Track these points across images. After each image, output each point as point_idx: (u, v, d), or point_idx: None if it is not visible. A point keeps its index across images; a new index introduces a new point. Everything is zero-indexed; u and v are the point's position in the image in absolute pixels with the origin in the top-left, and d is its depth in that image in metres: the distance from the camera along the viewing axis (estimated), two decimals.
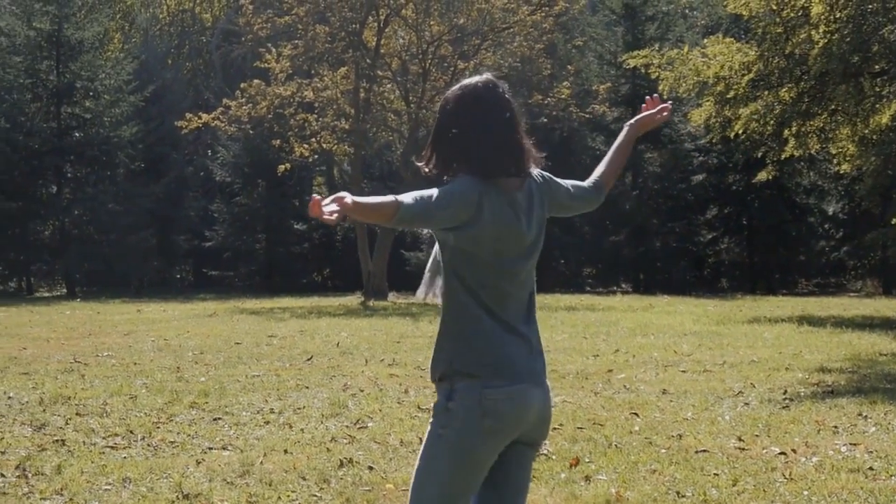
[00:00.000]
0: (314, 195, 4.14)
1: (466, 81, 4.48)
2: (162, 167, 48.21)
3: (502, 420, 4.33)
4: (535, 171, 4.49)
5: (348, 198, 3.96)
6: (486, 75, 4.51)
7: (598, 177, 4.78)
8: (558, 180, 4.58)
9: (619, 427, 10.34)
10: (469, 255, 4.32)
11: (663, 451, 9.20)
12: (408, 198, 4.15)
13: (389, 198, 4.09)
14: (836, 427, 10.26)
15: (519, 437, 4.42)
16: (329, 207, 3.92)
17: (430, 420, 4.40)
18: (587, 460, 8.86)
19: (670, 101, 4.96)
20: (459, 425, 4.33)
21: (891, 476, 8.19)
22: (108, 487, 8.11)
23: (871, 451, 9.09)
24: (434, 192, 4.22)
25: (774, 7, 22.60)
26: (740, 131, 23.91)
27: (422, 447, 4.41)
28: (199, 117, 36.65)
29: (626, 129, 5.00)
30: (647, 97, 5.05)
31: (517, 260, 4.37)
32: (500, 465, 4.47)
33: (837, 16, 20.49)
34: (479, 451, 4.34)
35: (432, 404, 4.44)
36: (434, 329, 22.23)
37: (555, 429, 10.20)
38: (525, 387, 4.38)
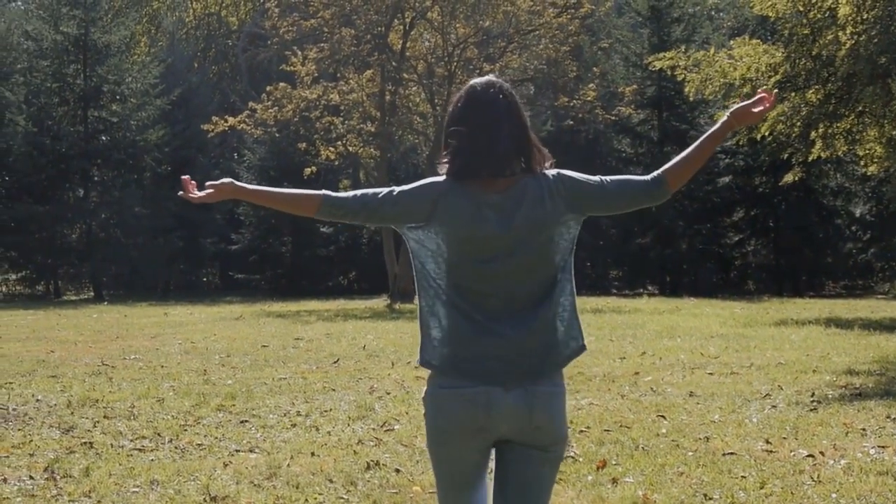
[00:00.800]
0: (184, 177, 4.49)
1: (470, 82, 4.54)
2: (188, 170, 47.90)
3: (453, 421, 4.37)
4: (549, 171, 4.45)
5: (229, 184, 4.51)
6: (489, 76, 4.55)
7: (663, 169, 4.55)
8: (580, 176, 4.46)
9: (646, 429, 10.32)
10: (434, 254, 4.39)
11: (690, 453, 9.18)
12: (348, 193, 4.40)
13: (316, 192, 4.29)
14: (864, 429, 10.22)
15: (513, 438, 4.39)
16: (205, 191, 4.51)
17: None
18: (614, 463, 8.85)
19: (775, 91, 4.70)
20: (425, 419, 4.53)
21: None
22: (136, 490, 8.14)
23: None
24: (393, 189, 4.44)
25: (801, 8, 22.54)
26: (767, 133, 23.85)
27: None
28: (226, 120, 36.73)
29: (721, 120, 4.65)
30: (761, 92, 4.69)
31: (494, 260, 4.34)
32: (500, 464, 4.51)
33: (865, 17, 20.40)
34: (441, 447, 4.47)
35: None
36: None
37: (581, 431, 10.20)
38: (487, 389, 4.33)
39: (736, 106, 4.57)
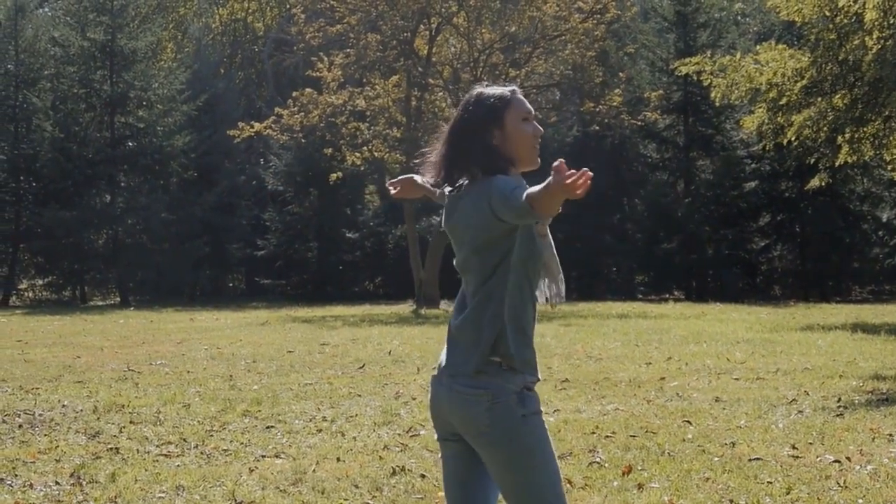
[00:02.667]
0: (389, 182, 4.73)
1: None
2: (214, 176, 48.33)
3: (430, 409, 4.70)
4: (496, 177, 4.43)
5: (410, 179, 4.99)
6: (479, 88, 4.67)
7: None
8: (495, 186, 4.36)
9: (671, 435, 10.30)
10: None
11: (716, 458, 9.16)
12: None
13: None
14: (891, 435, 10.18)
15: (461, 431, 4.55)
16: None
17: None
18: (640, 468, 8.83)
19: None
20: None
21: None
22: (162, 495, 8.16)
23: None
24: None
25: (828, 13, 22.49)
26: (793, 138, 23.79)
27: None
28: (252, 126, 36.79)
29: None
30: None
31: (455, 252, 4.66)
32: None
33: (891, 21, 20.36)
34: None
35: None
36: None
37: (607, 437, 10.19)
38: (433, 381, 4.67)
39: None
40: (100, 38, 44.56)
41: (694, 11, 45.12)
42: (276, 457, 9.58)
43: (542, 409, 4.50)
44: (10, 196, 45.03)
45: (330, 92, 36.61)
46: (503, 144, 4.50)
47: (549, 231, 4.46)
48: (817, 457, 9.21)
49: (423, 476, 8.66)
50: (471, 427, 4.44)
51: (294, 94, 37.09)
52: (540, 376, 4.54)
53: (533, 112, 4.58)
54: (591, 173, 3.81)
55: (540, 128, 4.56)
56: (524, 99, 4.60)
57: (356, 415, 11.85)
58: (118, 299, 45.07)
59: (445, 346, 4.62)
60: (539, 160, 4.55)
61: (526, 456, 4.43)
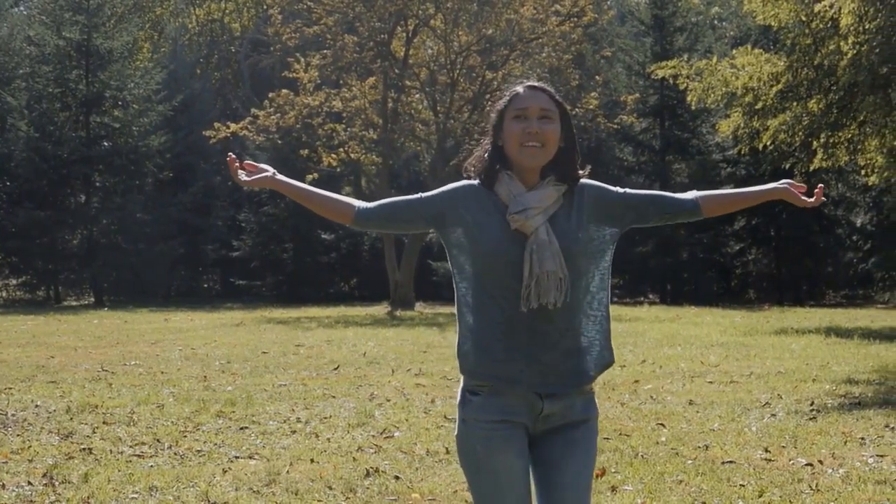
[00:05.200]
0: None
1: None
2: (190, 177, 48.23)
3: None
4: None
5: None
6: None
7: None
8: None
9: (645, 438, 10.33)
10: None
11: (690, 461, 9.19)
12: None
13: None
14: (863, 438, 10.23)
15: None
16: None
17: (586, 427, 4.47)
18: (613, 471, 8.85)
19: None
20: None
21: None
22: (135, 496, 8.14)
23: None
24: None
25: (804, 18, 22.56)
26: (768, 142, 23.85)
27: (587, 458, 4.46)
28: (228, 127, 36.76)
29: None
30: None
31: None
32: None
33: (866, 27, 20.41)
34: None
35: (587, 413, 4.48)
36: None
37: None
38: None
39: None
40: (75, 37, 44.35)
41: (671, 15, 45.27)
42: (250, 458, 9.58)
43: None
44: None
45: (306, 93, 36.60)
46: (505, 145, 4.47)
47: (537, 231, 4.33)
48: (790, 460, 9.25)
49: (397, 478, 8.66)
50: None
51: (270, 94, 37.06)
52: (498, 381, 4.35)
53: (533, 108, 4.42)
54: None
55: (534, 125, 4.41)
56: (534, 93, 4.47)
57: (330, 416, 11.85)
58: (92, 299, 44.89)
59: None
60: (532, 160, 4.41)
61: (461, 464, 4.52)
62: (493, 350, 4.35)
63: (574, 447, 4.38)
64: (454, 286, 4.49)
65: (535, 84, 4.50)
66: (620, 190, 4.52)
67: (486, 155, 4.52)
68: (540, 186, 4.40)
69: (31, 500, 8.05)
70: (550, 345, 4.32)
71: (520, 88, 4.48)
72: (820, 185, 4.56)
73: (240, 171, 4.62)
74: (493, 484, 4.34)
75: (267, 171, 4.63)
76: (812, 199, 4.55)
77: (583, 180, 4.50)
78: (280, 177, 4.66)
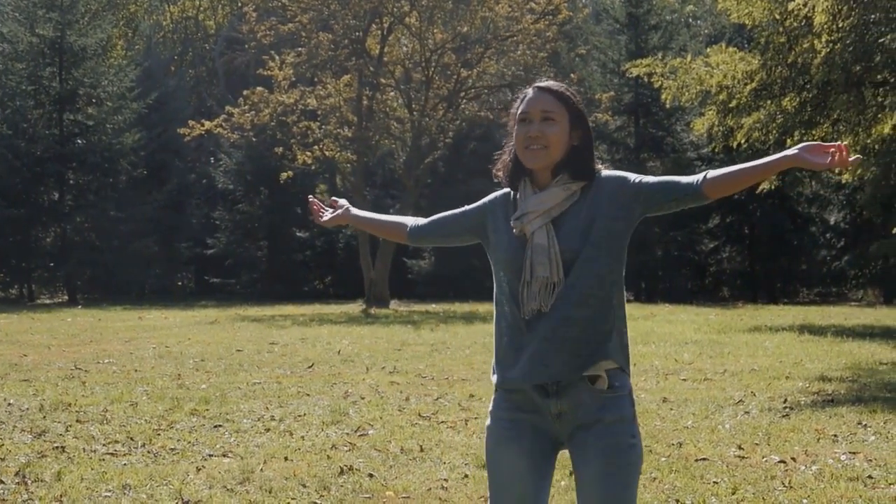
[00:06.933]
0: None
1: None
2: (164, 174, 48.14)
3: None
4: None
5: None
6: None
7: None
8: None
9: None
10: None
11: (663, 459, 9.20)
12: None
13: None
14: (835, 436, 10.26)
15: None
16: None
17: (600, 430, 4.35)
18: None
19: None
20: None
21: (890, 484, 8.19)
22: (108, 494, 8.11)
23: (871, 460, 9.10)
24: None
25: (777, 17, 22.59)
26: (743, 140, 23.88)
27: (616, 469, 4.34)
28: (202, 124, 36.66)
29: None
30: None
31: None
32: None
33: (840, 25, 20.46)
34: None
35: (600, 414, 4.33)
36: (436, 337, 22.22)
37: None
38: None
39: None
40: (49, 34, 44.19)
41: (646, 13, 45.34)
42: (224, 456, 9.55)
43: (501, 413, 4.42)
44: None
45: (281, 91, 36.55)
46: (515, 148, 4.49)
47: (534, 232, 4.34)
48: (763, 457, 9.27)
49: (370, 475, 8.65)
50: None
51: (245, 92, 36.98)
52: (506, 384, 4.42)
53: (534, 111, 4.41)
54: None
55: (535, 128, 4.39)
56: (539, 94, 4.46)
57: (304, 414, 11.83)
58: (66, 297, 44.76)
59: None
60: (533, 162, 4.40)
61: None
62: (504, 351, 4.42)
63: (586, 452, 4.33)
64: None
65: (543, 84, 4.49)
66: (636, 180, 4.38)
67: (508, 159, 4.54)
68: (547, 188, 4.39)
69: (4, 499, 8.01)
70: (547, 338, 4.30)
71: (529, 90, 4.50)
72: (842, 143, 4.07)
73: (320, 212, 5.04)
74: (494, 479, 4.44)
75: (342, 207, 5.00)
76: (828, 161, 4.14)
77: (604, 172, 4.43)
78: (354, 211, 5.00)
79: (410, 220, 4.84)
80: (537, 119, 4.38)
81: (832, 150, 4.01)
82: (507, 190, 4.56)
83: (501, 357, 4.42)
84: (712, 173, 4.22)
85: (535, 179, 4.43)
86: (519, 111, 4.46)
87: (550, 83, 4.48)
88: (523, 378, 4.32)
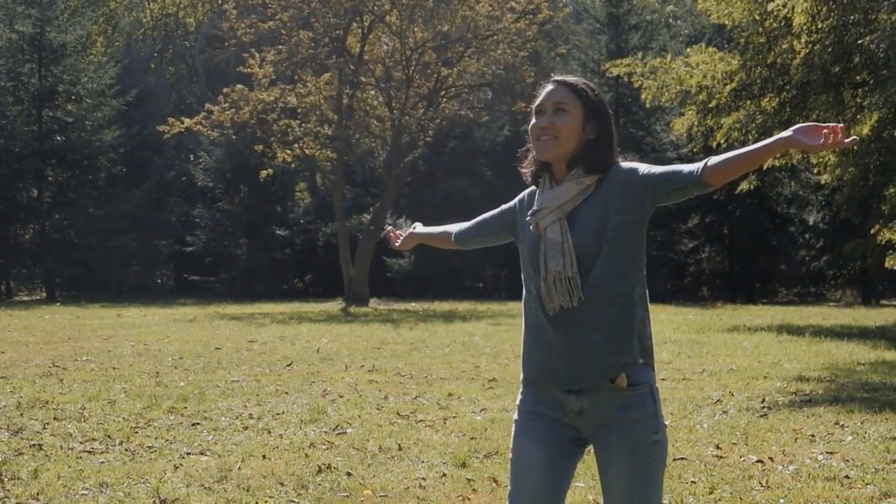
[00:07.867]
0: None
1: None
2: (144, 172, 48.04)
3: None
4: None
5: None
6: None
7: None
8: None
9: None
10: None
11: None
12: None
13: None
14: (813, 436, 10.28)
15: None
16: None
17: (622, 430, 4.32)
18: None
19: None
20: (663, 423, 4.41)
21: (866, 484, 8.21)
22: (85, 492, 8.08)
23: (848, 460, 9.11)
24: None
25: (757, 17, 22.64)
26: (722, 140, 23.92)
27: (639, 470, 4.31)
28: (182, 122, 36.57)
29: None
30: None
31: None
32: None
33: (819, 26, 20.52)
34: None
35: (623, 413, 4.30)
36: (415, 336, 22.21)
37: None
38: None
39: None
40: (28, 30, 44.10)
41: (626, 13, 45.44)
42: (202, 454, 9.53)
43: (512, 407, 4.46)
44: None
45: (261, 88, 36.52)
46: None
47: (547, 227, 4.36)
48: (741, 457, 9.28)
49: (349, 474, 8.64)
50: None
51: (225, 90, 36.93)
52: (530, 380, 4.49)
53: (548, 102, 4.42)
54: None
55: (546, 119, 4.40)
56: (554, 87, 4.46)
57: (283, 412, 11.82)
58: (44, 294, 44.70)
59: None
60: (544, 153, 4.40)
61: None
62: (530, 346, 4.47)
63: (609, 452, 4.33)
64: None
65: (559, 78, 4.50)
66: (646, 171, 4.34)
67: (531, 156, 4.55)
68: (561, 183, 4.40)
69: None
70: (573, 339, 4.30)
71: (549, 84, 4.50)
72: (837, 124, 3.94)
73: (396, 240, 5.34)
74: (512, 471, 4.46)
75: (410, 230, 5.32)
76: (822, 142, 3.92)
77: (620, 164, 4.41)
78: (420, 229, 5.29)
79: (455, 227, 5.02)
80: (550, 110, 4.39)
81: (826, 130, 3.93)
82: (534, 187, 4.58)
83: (527, 353, 4.47)
84: (713, 160, 4.19)
85: (553, 175, 4.45)
86: (535, 104, 4.47)
87: (568, 77, 4.49)
88: (555, 382, 4.36)
